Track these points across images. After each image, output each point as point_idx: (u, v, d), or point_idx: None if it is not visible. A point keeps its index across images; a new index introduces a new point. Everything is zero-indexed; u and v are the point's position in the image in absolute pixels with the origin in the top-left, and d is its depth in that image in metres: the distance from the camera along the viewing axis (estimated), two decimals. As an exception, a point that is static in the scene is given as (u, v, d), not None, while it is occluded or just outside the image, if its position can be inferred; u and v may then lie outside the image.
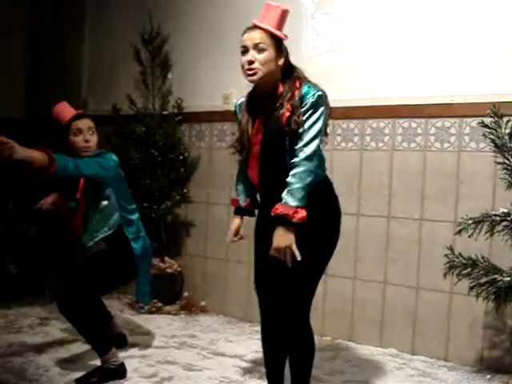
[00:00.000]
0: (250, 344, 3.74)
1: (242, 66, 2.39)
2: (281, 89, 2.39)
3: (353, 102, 3.82)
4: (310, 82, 2.40)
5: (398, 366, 3.43)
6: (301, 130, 2.30)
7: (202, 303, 4.53)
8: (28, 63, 6.18)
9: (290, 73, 2.42)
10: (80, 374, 3.08)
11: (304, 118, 2.30)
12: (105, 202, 3.13)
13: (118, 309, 4.48)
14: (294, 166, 2.29)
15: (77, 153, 3.10)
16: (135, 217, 3.24)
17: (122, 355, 3.25)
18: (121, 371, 3.09)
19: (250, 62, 2.36)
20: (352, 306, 3.87)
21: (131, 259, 3.17)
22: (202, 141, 4.63)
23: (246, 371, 3.26)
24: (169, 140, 4.57)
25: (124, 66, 4.93)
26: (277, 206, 2.27)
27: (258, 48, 2.36)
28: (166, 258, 4.58)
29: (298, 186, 2.26)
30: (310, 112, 2.31)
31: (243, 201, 2.69)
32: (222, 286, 4.45)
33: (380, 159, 3.78)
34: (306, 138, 2.30)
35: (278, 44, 2.40)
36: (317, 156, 2.31)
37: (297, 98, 2.32)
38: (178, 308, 4.50)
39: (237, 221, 2.73)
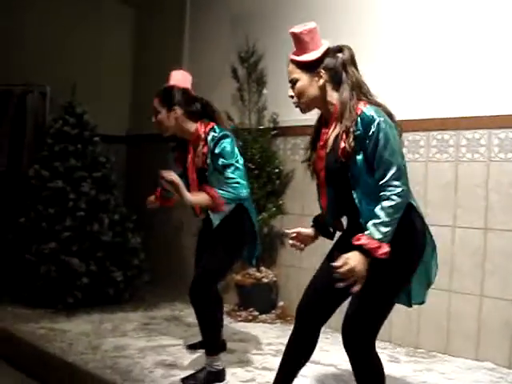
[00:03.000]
0: (344, 353, 3.77)
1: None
2: (336, 111, 2.30)
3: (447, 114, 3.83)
4: (370, 102, 2.28)
5: (494, 380, 3.37)
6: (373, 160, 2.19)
7: (297, 313, 4.61)
8: (132, 82, 6.54)
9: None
10: (182, 375, 3.25)
11: (369, 146, 2.20)
12: None
13: (217, 316, 4.65)
14: (382, 198, 2.18)
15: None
16: None
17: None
18: (222, 376, 3.23)
19: (291, 97, 2.39)
20: (448, 318, 3.84)
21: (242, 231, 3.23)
22: (296, 154, 4.74)
23: (341, 380, 3.31)
24: (264, 153, 4.72)
25: (221, 83, 5.13)
26: (360, 236, 2.17)
27: (292, 82, 2.36)
28: (262, 268, 4.71)
29: (385, 220, 2.14)
30: (373, 140, 2.19)
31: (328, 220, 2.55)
32: (317, 296, 4.52)
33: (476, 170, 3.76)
34: (381, 168, 2.18)
35: (310, 68, 2.33)
36: (403, 187, 2.18)
37: (352, 123, 2.21)
38: (274, 317, 4.60)
39: (310, 230, 2.60)
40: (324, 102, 2.35)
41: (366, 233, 2.16)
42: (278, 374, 2.62)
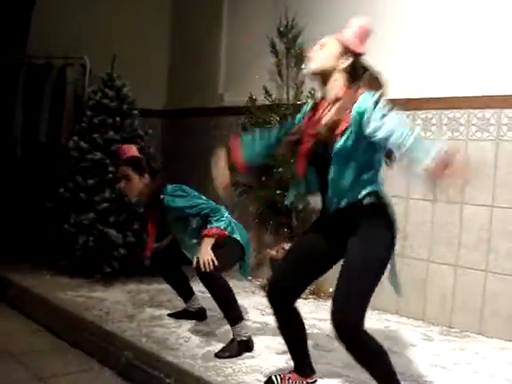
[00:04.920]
0: (377, 330, 3.78)
1: None
2: (341, 93, 2.50)
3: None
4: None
5: (529, 360, 3.37)
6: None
7: (331, 289, 4.60)
8: (169, 58, 6.56)
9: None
10: (217, 345, 3.31)
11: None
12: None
13: (251, 290, 4.72)
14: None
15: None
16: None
17: (254, 333, 3.45)
18: (250, 343, 3.30)
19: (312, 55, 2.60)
20: (483, 298, 3.82)
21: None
22: (334, 130, 4.71)
23: (348, 364, 3.32)
24: (301, 129, 4.70)
25: (259, 57, 5.11)
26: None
27: (321, 44, 2.60)
28: (297, 244, 4.72)
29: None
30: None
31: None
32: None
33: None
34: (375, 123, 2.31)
35: (344, 51, 2.56)
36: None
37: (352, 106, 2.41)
38: (308, 292, 4.61)
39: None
40: (329, 78, 2.54)
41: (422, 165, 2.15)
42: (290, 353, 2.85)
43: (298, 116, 2.75)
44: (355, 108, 2.40)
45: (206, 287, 3.31)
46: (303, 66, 4.81)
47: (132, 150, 3.77)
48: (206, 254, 3.26)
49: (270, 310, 4.08)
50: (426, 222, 4.09)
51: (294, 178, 4.57)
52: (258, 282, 4.91)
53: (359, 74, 2.53)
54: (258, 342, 3.37)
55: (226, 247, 3.43)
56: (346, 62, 2.54)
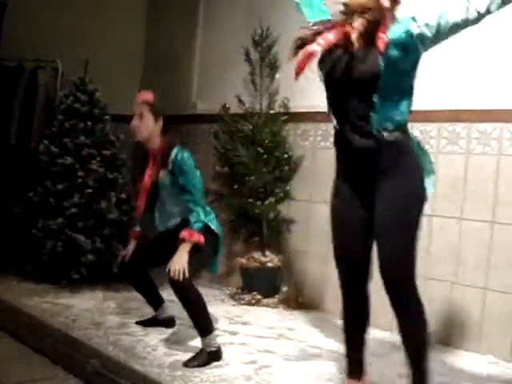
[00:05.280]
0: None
1: None
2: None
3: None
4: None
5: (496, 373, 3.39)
6: None
7: (300, 298, 4.64)
8: (143, 64, 6.53)
9: None
10: (185, 354, 3.27)
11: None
12: None
13: (220, 299, 4.69)
14: None
15: None
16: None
17: (222, 341, 3.43)
18: (219, 353, 3.27)
19: None
20: (450, 308, 3.85)
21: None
22: (306, 140, 4.74)
23: (342, 365, 3.32)
24: (274, 138, 4.72)
25: (233, 66, 5.12)
26: None
27: None
28: (267, 253, 4.72)
29: None
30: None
31: None
32: (321, 282, 4.53)
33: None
34: None
35: None
36: None
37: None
38: (277, 302, 4.62)
39: None
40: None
41: None
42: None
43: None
44: (398, 26, 2.29)
45: (178, 297, 3.26)
46: (277, 76, 4.84)
47: (150, 95, 3.64)
48: (179, 262, 3.19)
49: (238, 319, 4.14)
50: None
51: (266, 186, 4.63)
52: (228, 291, 4.89)
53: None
54: (227, 351, 3.34)
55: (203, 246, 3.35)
56: None
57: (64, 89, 5.25)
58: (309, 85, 4.65)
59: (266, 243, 4.76)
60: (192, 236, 3.26)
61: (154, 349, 3.39)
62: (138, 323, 3.85)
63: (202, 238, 3.29)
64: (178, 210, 3.49)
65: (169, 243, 3.39)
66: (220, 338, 3.47)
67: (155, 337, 3.60)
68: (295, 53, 2.43)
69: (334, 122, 2.47)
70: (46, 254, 4.63)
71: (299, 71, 2.35)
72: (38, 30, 5.55)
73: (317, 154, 4.64)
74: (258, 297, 4.60)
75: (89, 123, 4.93)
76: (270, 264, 4.67)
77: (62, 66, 5.49)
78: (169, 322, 3.82)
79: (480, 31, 3.68)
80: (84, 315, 3.98)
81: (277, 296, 4.67)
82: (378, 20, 2.30)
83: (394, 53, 2.26)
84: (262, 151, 4.68)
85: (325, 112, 4.49)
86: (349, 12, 2.37)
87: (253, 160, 4.67)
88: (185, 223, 3.36)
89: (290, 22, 4.80)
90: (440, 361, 3.46)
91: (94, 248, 4.69)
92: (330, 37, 2.35)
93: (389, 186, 2.34)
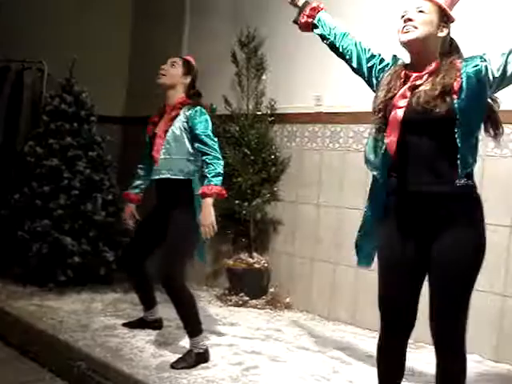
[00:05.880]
0: (333, 341, 3.83)
1: (401, 29, 2.27)
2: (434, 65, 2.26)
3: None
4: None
5: (481, 372, 3.42)
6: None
7: (287, 299, 4.65)
8: (130, 65, 6.51)
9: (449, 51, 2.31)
10: (172, 355, 3.27)
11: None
12: None
13: (207, 300, 4.69)
14: None
15: None
16: None
17: (209, 343, 3.43)
18: (207, 355, 3.27)
19: (407, 20, 2.24)
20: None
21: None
22: (293, 141, 4.75)
23: (329, 366, 3.34)
24: (261, 140, 4.72)
25: (220, 67, 5.12)
26: None
27: (418, 8, 2.25)
28: (254, 254, 4.73)
29: None
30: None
31: None
32: (308, 283, 4.55)
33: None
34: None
35: (442, 15, 2.28)
36: None
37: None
38: (264, 303, 4.62)
39: None
40: (425, 49, 2.28)
41: None
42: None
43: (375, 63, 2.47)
44: (464, 71, 2.20)
45: (171, 298, 3.24)
46: (263, 77, 4.85)
47: (190, 59, 3.65)
48: (207, 219, 3.09)
49: (226, 320, 4.14)
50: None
51: (253, 187, 4.64)
52: (215, 292, 4.89)
53: (451, 44, 2.34)
54: (214, 352, 3.34)
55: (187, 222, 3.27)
56: (445, 31, 2.29)
57: (50, 90, 5.23)
58: (294, 86, 4.74)
59: (252, 244, 4.76)
60: (212, 189, 3.13)
61: (141, 350, 3.38)
62: (124, 325, 3.84)
63: (223, 191, 3.19)
64: (182, 167, 3.37)
65: (162, 218, 3.38)
66: (207, 339, 3.47)
67: (142, 338, 3.60)
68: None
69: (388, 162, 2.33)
70: (33, 257, 4.60)
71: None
72: (25, 31, 5.52)
73: (303, 156, 4.65)
74: (245, 298, 4.61)
75: (75, 124, 4.91)
76: (257, 265, 4.68)
77: (48, 66, 5.48)
78: (156, 324, 3.82)
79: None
80: (71, 317, 3.96)
81: (264, 297, 4.68)
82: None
83: (467, 93, 2.18)
84: (248, 152, 4.69)
85: (311, 113, 4.54)
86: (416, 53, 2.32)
87: (240, 161, 4.68)
88: (180, 184, 3.35)
89: (276, 23, 4.83)
90: (428, 361, 3.49)
91: (80, 250, 4.67)
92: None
93: (453, 234, 2.21)
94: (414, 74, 2.29)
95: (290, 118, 4.73)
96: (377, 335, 3.94)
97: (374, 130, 2.37)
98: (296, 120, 4.69)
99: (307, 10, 2.72)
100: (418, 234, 2.29)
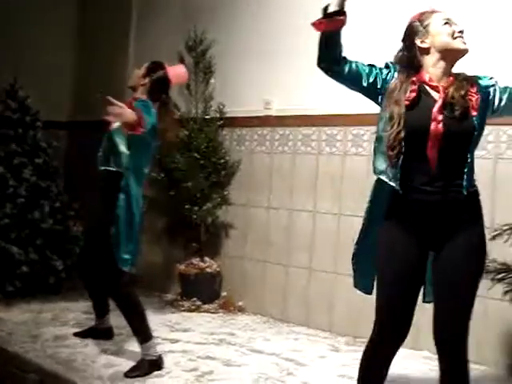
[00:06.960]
0: (287, 343, 3.85)
1: (452, 34, 2.24)
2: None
3: None
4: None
5: (431, 368, 3.48)
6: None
7: (240, 303, 4.65)
8: (76, 69, 6.41)
9: None
10: (125, 364, 3.23)
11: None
12: None
13: (159, 306, 4.65)
14: None
15: None
16: None
17: (163, 350, 3.41)
18: (160, 361, 3.24)
19: (463, 32, 2.26)
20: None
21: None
22: (242, 145, 4.76)
23: (283, 368, 3.36)
24: (210, 144, 4.72)
25: (168, 71, 5.09)
26: None
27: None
28: (206, 258, 4.72)
29: None
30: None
31: None
32: (260, 286, 4.57)
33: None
34: None
35: None
36: None
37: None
38: (217, 307, 4.62)
39: None
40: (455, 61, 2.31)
41: None
42: None
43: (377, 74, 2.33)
44: (482, 88, 2.27)
45: (117, 304, 3.23)
46: (212, 81, 4.85)
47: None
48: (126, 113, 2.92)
49: (179, 326, 4.12)
50: (331, 234, 4.15)
51: (203, 191, 4.62)
52: (167, 298, 4.86)
53: None
54: (168, 359, 3.32)
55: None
56: None
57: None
58: (243, 90, 4.75)
59: (204, 249, 4.75)
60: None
61: (93, 361, 3.33)
62: (76, 334, 3.78)
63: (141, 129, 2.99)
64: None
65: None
66: (160, 346, 3.46)
67: (94, 348, 3.54)
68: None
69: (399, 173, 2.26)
70: (-22, 267, 4.50)
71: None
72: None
73: (253, 159, 4.67)
74: (198, 303, 4.59)
75: (20, 130, 4.82)
76: (208, 269, 4.67)
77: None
78: (107, 333, 3.76)
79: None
80: (20, 328, 3.89)
81: (217, 301, 4.67)
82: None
83: (483, 109, 2.26)
84: (198, 156, 4.67)
85: (260, 116, 4.55)
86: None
87: (189, 166, 4.66)
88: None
89: (224, 27, 4.85)
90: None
91: (27, 259, 4.58)
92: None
93: (465, 237, 2.24)
94: (440, 85, 2.26)
95: (239, 121, 4.74)
96: (329, 336, 4.05)
97: (388, 139, 2.23)
98: (245, 123, 4.71)
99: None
100: (425, 243, 2.29)
